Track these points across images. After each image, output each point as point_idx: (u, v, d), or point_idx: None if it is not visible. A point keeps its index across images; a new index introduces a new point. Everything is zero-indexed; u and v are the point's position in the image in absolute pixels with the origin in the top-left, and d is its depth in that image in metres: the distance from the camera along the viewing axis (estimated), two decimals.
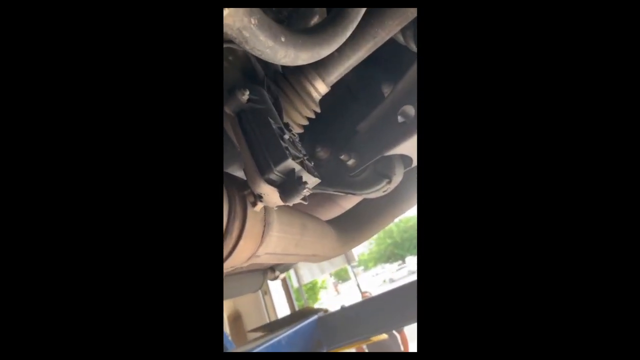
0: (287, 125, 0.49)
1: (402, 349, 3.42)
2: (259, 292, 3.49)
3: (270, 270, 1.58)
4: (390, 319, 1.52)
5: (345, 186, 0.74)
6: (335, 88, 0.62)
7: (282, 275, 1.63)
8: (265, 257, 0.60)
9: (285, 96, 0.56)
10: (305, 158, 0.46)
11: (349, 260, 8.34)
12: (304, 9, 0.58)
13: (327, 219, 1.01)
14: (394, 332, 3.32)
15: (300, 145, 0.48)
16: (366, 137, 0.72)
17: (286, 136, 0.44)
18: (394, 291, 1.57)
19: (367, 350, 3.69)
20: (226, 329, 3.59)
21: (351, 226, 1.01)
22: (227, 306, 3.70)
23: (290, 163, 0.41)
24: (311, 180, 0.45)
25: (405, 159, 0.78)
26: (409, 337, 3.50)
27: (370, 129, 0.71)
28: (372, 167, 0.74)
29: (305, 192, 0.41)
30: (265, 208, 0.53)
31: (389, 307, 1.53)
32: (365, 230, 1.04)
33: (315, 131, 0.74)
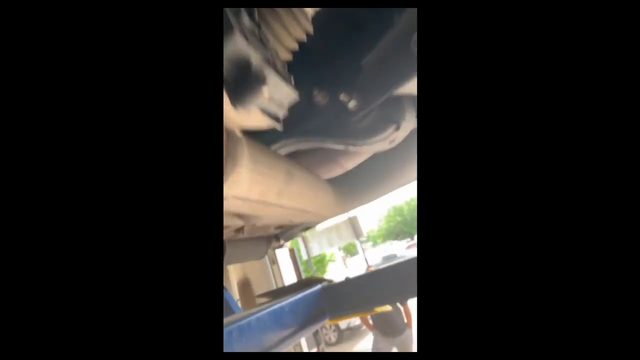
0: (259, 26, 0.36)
1: (405, 321, 3.49)
2: (267, 261, 3.57)
3: (275, 238, 1.57)
4: (394, 292, 1.50)
5: (345, 135, 0.63)
6: (336, 18, 0.51)
7: (287, 244, 1.62)
8: (236, 203, 0.51)
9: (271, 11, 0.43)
10: (278, 62, 0.34)
11: (357, 235, 8.44)
12: None
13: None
14: (398, 304, 3.37)
15: (270, 46, 0.36)
16: (372, 73, 0.58)
17: (246, 21, 0.32)
18: (398, 265, 1.54)
19: (371, 321, 3.78)
20: (235, 294, 3.74)
21: (352, 186, 0.91)
22: (237, 273, 3.83)
23: (241, 46, 0.30)
24: (283, 91, 0.33)
25: None
26: (413, 311, 3.55)
27: (377, 63, 0.57)
28: (377, 111, 0.62)
29: (266, 94, 0.31)
30: (229, 136, 0.42)
31: (393, 281, 1.50)
32: (367, 192, 0.95)
33: (312, 72, 0.62)
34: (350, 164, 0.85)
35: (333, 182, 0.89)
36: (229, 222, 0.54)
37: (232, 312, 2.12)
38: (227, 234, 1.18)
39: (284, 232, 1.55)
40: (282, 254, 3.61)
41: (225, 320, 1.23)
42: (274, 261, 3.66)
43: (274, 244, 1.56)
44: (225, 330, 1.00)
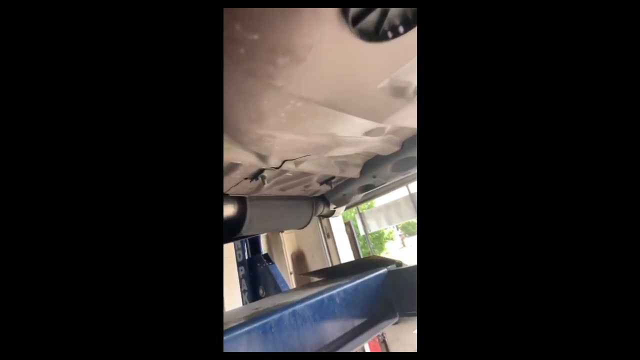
0: None
1: None
2: (321, 233, 3.29)
3: (322, 201, 1.15)
4: None
5: None
6: None
7: (339, 210, 1.21)
8: None
9: None
10: None
11: None
12: None
13: None
14: None
15: None
16: None
17: None
18: None
19: None
20: (289, 267, 3.60)
21: None
22: (291, 245, 3.67)
23: None
24: None
25: None
26: None
27: None
28: None
29: None
30: None
31: None
32: None
33: None
34: None
35: None
36: None
37: (278, 290, 1.85)
38: (234, 178, 0.79)
39: (332, 193, 1.13)
40: (338, 227, 3.27)
41: (245, 312, 0.90)
42: (328, 235, 3.35)
43: (322, 208, 1.16)
44: (236, 333, 0.64)
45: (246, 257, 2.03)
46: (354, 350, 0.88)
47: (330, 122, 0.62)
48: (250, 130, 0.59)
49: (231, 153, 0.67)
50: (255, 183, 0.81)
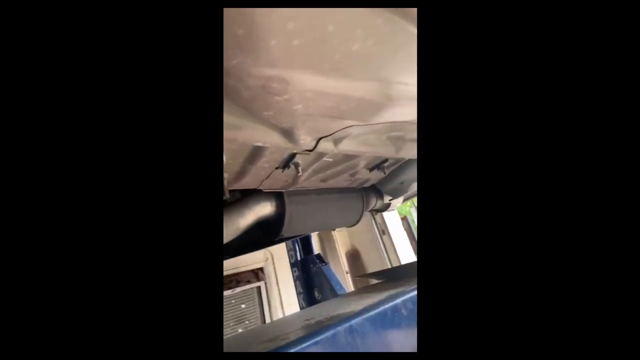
0: None
1: None
2: (375, 230, 3.10)
3: (375, 193, 0.98)
4: None
5: None
6: None
7: (396, 203, 1.04)
8: None
9: None
10: None
11: None
12: None
13: None
14: None
15: None
16: None
17: None
18: None
19: None
20: (345, 267, 3.48)
21: None
22: (344, 243, 3.54)
23: None
24: None
25: None
26: None
27: None
28: None
29: None
30: None
31: None
32: None
33: None
34: None
35: None
36: None
37: (334, 292, 1.73)
38: (262, 168, 0.65)
39: (386, 181, 0.95)
40: (394, 223, 3.05)
41: (296, 323, 0.79)
42: (384, 231, 3.15)
43: (375, 201, 0.98)
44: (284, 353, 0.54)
45: (299, 258, 1.97)
46: None
47: (378, 46, 0.37)
48: (246, 71, 0.36)
49: (242, 130, 0.46)
50: (289, 174, 0.66)
